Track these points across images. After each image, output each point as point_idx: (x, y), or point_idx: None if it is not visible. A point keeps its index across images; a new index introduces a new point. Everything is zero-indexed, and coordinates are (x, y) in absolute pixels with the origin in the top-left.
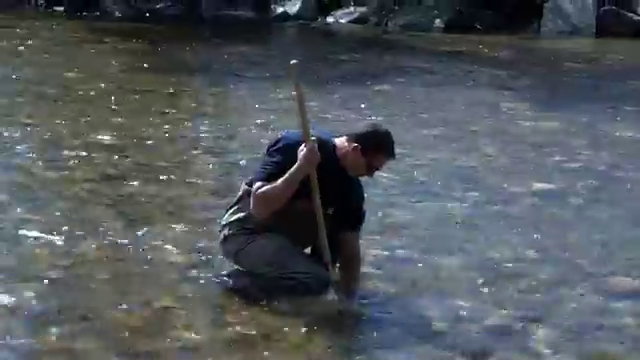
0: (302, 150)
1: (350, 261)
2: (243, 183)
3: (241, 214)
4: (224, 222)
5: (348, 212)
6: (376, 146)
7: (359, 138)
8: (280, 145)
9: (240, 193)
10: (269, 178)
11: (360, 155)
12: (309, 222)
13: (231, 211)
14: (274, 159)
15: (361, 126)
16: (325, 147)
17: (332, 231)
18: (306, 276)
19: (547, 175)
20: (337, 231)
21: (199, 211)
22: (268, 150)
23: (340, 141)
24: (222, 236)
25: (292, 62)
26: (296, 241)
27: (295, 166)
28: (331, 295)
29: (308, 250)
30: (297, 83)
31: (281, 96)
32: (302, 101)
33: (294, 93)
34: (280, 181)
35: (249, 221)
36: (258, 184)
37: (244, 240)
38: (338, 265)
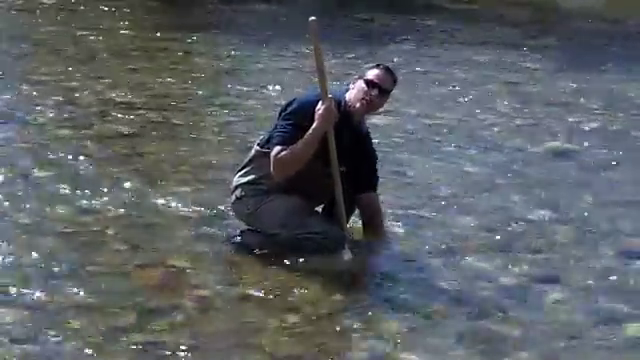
0: (319, 109)
1: (373, 218)
2: (255, 144)
3: (252, 176)
4: (235, 184)
5: (365, 172)
6: (369, 67)
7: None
8: (294, 107)
9: (252, 154)
10: (287, 142)
11: (357, 81)
12: (324, 182)
13: (242, 172)
14: (290, 122)
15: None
16: (338, 106)
17: (347, 189)
18: (321, 236)
19: (562, 135)
20: (354, 190)
21: (214, 169)
22: (281, 113)
23: (348, 94)
24: (234, 197)
25: (311, 19)
26: (310, 200)
27: (313, 126)
28: (346, 255)
29: (319, 208)
30: (316, 40)
31: (297, 55)
32: (321, 58)
33: (313, 50)
34: (299, 143)
35: (261, 183)
36: (277, 148)
37: (256, 202)
38: (361, 222)
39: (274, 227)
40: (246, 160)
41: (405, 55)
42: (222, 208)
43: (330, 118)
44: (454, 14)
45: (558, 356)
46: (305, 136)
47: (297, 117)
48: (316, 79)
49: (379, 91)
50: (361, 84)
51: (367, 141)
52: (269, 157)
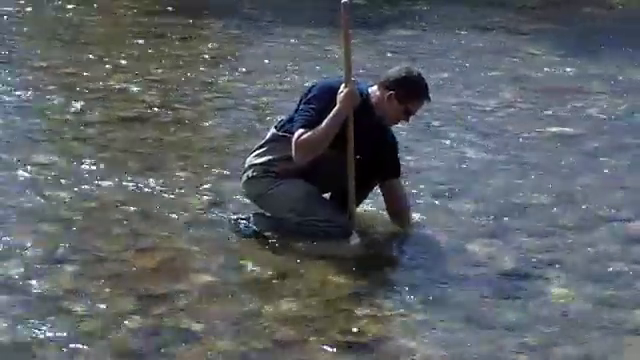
0: (341, 92)
1: (397, 205)
2: (272, 127)
3: (266, 157)
4: (248, 163)
5: (387, 160)
6: (412, 91)
7: (394, 85)
8: (316, 92)
9: (268, 136)
10: (309, 125)
11: (396, 102)
12: (337, 169)
13: (256, 153)
14: (312, 106)
15: (393, 71)
16: (360, 96)
17: (362, 177)
18: (327, 224)
19: (565, 120)
20: (369, 178)
21: (215, 154)
22: (304, 98)
23: (373, 90)
24: (245, 177)
25: (343, 1)
26: (320, 187)
27: (335, 109)
28: (353, 240)
29: (327, 195)
30: (347, 23)
31: (300, 39)
32: (348, 41)
33: (342, 32)
34: (321, 126)
35: (274, 165)
36: (299, 131)
37: (267, 184)
38: (387, 211)
39: (282, 211)
40: (262, 141)
41: (404, 41)
42: (222, 193)
43: (352, 101)
44: None
45: (559, 342)
46: (327, 119)
47: (319, 101)
48: (319, 65)
49: None
50: (401, 110)
51: (387, 131)
52: (286, 141)
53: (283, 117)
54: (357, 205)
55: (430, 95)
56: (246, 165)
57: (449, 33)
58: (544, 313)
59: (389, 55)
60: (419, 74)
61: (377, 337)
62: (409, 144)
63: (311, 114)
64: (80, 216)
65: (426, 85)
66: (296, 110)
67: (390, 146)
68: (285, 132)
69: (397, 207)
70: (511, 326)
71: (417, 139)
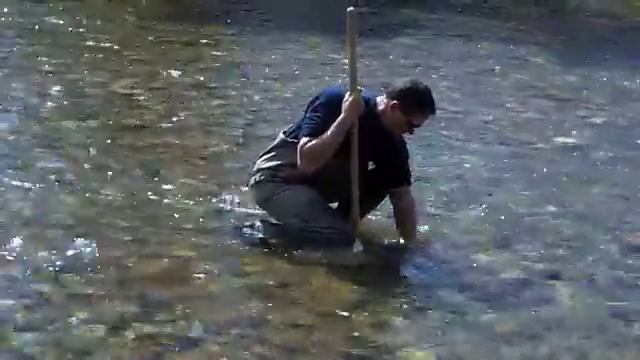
0: (346, 100)
1: (405, 214)
2: (280, 132)
3: (274, 162)
4: (256, 167)
5: (393, 169)
6: (416, 104)
7: (398, 95)
8: (322, 100)
9: (277, 141)
10: (315, 133)
11: (400, 113)
12: (341, 178)
13: (265, 157)
14: (317, 114)
15: (400, 82)
16: (366, 104)
17: (373, 186)
18: (331, 231)
19: (569, 130)
20: (380, 187)
21: (219, 161)
22: (310, 105)
23: (380, 98)
24: (252, 180)
25: (350, 9)
26: (326, 194)
27: (340, 117)
28: (355, 248)
29: (334, 205)
30: (352, 31)
31: (303, 47)
32: (354, 50)
33: (348, 40)
34: (326, 134)
35: (281, 170)
36: (305, 139)
37: (273, 189)
38: (395, 218)
39: (287, 216)
40: (270, 146)
41: (407, 48)
42: (226, 199)
43: (357, 109)
44: (457, 8)
45: (563, 352)
46: (331, 127)
47: (325, 109)
48: (324, 73)
49: None
50: (404, 122)
51: (395, 139)
52: (293, 147)
53: (291, 124)
54: (366, 214)
55: (435, 109)
56: (254, 169)
57: (453, 42)
58: (547, 323)
59: (394, 64)
60: (426, 87)
61: (379, 345)
62: (412, 152)
63: (316, 122)
64: (84, 222)
65: (431, 99)
66: (303, 118)
67: (398, 153)
68: (294, 138)
69: (404, 216)
70: (514, 336)
71: (421, 147)
